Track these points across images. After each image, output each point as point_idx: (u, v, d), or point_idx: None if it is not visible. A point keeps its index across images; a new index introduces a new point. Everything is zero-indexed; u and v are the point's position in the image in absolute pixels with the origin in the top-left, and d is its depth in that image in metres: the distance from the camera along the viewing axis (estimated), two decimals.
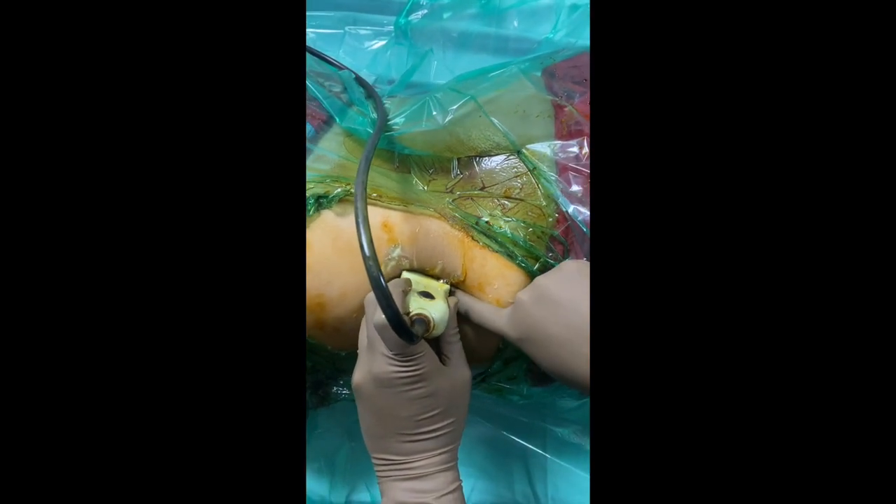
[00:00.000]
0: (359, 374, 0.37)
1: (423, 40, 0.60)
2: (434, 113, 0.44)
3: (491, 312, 0.40)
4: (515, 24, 0.59)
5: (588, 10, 0.60)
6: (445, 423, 0.37)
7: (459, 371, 0.39)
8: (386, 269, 0.42)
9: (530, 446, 0.50)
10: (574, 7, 0.62)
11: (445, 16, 0.62)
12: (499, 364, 0.44)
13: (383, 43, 0.60)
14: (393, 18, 0.60)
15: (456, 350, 0.39)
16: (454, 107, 0.44)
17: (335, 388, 0.52)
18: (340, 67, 0.48)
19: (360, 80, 0.47)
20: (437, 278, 0.42)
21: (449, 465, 0.38)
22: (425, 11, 0.60)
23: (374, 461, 0.38)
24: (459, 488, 0.37)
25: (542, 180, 0.42)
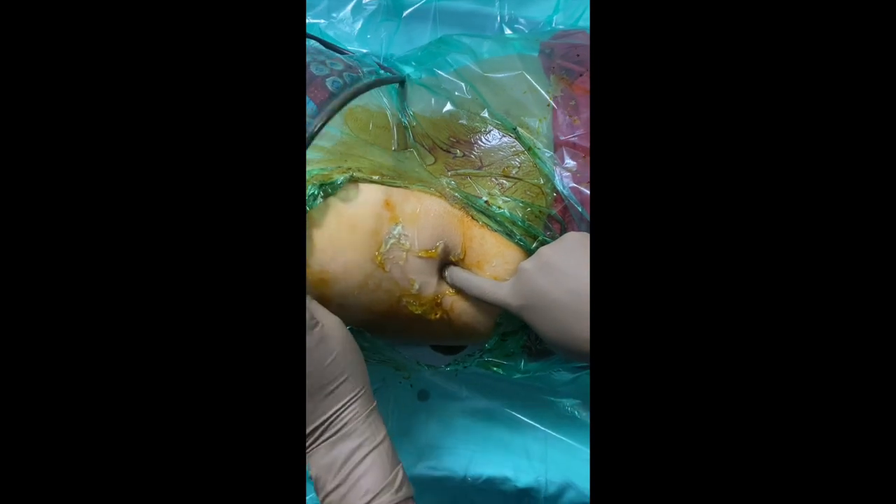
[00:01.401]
0: None
1: (414, 17, 0.59)
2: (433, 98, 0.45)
3: (490, 285, 0.41)
4: (522, 21, 0.59)
5: None
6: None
7: None
8: (387, 247, 0.42)
9: (527, 420, 0.51)
10: None
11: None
12: (496, 339, 0.45)
13: (374, 8, 0.59)
14: None
15: None
16: (452, 87, 0.45)
17: None
18: (343, 52, 0.47)
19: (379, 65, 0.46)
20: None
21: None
22: None
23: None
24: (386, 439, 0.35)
25: (538, 159, 0.43)
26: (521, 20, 0.61)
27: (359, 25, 0.60)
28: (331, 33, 0.60)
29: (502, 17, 0.61)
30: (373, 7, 0.61)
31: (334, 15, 0.60)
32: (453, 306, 0.44)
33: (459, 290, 0.43)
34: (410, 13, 0.59)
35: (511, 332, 0.45)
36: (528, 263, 0.39)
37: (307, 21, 0.60)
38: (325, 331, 0.35)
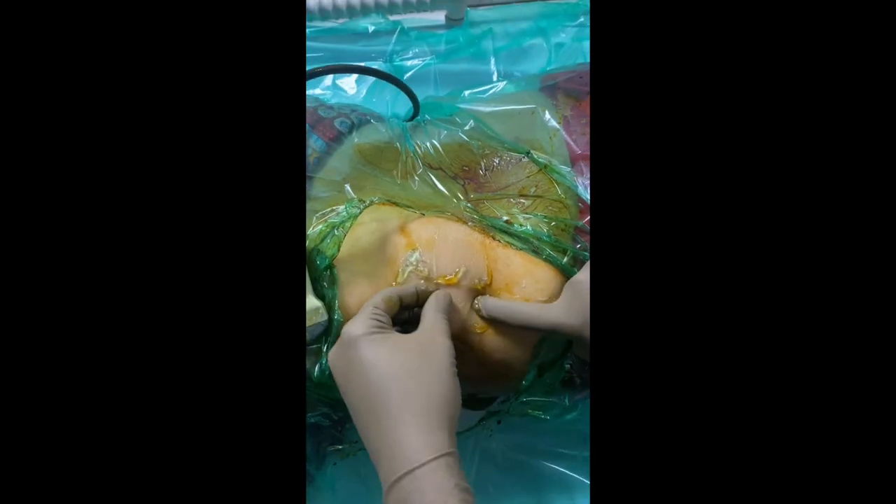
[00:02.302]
0: None
1: (415, 79, 0.62)
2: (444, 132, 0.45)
3: (537, 309, 0.36)
4: (518, 74, 0.61)
5: (573, 45, 0.64)
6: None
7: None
8: (404, 275, 0.39)
9: (570, 473, 0.44)
10: (559, 45, 0.65)
11: (433, 63, 0.65)
12: (532, 375, 0.41)
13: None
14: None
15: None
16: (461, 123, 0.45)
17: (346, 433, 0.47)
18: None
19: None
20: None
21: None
22: (414, 58, 0.63)
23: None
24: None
25: (556, 174, 0.41)
26: (517, 74, 0.63)
27: (363, 92, 0.63)
28: (334, 101, 0.62)
29: (499, 73, 0.63)
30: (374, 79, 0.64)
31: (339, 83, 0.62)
32: (483, 344, 0.40)
33: (490, 324, 0.39)
34: (412, 75, 0.62)
35: (550, 362, 0.40)
36: (582, 275, 0.35)
37: (314, 93, 0.62)
38: None
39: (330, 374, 0.39)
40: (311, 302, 0.37)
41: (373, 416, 0.31)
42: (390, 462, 0.29)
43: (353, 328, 0.33)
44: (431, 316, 0.35)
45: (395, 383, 0.31)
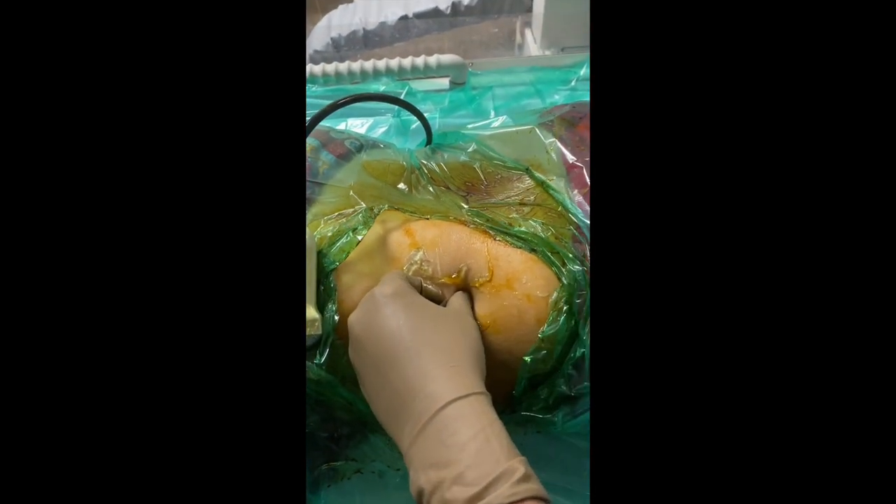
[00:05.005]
0: None
1: (421, 131, 0.66)
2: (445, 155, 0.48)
3: None
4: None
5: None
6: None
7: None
8: (408, 274, 0.40)
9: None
10: (553, 103, 0.71)
11: (437, 116, 0.70)
12: (522, 386, 0.40)
13: (384, 129, 0.67)
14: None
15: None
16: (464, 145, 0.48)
17: (347, 458, 0.44)
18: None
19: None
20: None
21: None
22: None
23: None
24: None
25: (552, 191, 0.43)
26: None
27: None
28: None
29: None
30: (384, 128, 0.69)
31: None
32: (485, 343, 0.39)
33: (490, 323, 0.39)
34: (417, 127, 0.67)
35: (542, 375, 0.39)
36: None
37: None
38: None
39: (330, 371, 0.38)
40: (310, 313, 0.37)
41: (402, 361, 0.31)
42: (425, 400, 0.29)
43: (382, 289, 0.34)
44: (458, 301, 0.38)
45: (424, 334, 0.31)
